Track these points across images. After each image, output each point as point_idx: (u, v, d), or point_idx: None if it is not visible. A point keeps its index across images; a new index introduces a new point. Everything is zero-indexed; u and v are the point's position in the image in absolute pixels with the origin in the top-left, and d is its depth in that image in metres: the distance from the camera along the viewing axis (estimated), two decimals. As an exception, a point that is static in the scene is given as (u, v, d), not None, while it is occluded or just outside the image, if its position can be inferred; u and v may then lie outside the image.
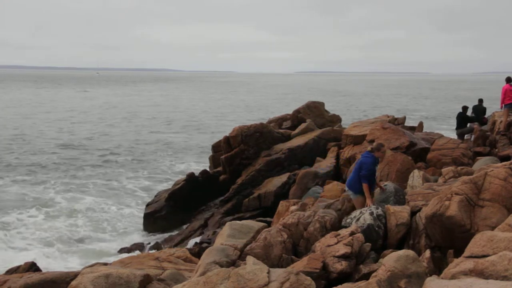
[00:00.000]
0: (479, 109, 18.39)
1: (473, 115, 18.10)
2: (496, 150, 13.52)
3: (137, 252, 13.75)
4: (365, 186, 8.20)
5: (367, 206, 8.07)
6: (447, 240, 6.28)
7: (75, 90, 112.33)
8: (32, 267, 9.66)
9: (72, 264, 13.98)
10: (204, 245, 11.97)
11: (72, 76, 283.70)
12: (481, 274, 4.14)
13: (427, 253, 6.05)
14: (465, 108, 17.65)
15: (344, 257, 6.18)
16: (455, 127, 18.01)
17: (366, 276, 5.72)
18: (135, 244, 15.30)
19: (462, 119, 17.21)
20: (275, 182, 16.33)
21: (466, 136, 17.24)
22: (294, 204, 10.67)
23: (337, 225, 7.78)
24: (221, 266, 6.46)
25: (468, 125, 17.45)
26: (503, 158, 11.57)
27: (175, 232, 16.51)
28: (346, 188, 8.82)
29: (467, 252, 4.68)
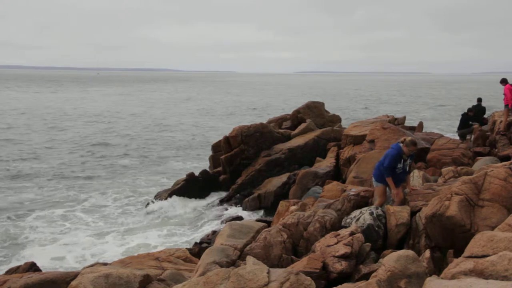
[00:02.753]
0: (479, 109, 18.39)
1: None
2: (496, 150, 13.52)
3: (137, 252, 13.75)
4: (388, 180, 8.02)
5: (393, 197, 8.03)
6: (447, 240, 6.28)
7: (78, 90, 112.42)
8: (32, 267, 9.65)
9: (72, 264, 13.98)
10: (204, 245, 11.97)
11: (74, 76, 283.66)
12: (481, 274, 4.14)
13: (427, 253, 6.05)
14: (470, 110, 17.59)
15: (344, 257, 6.18)
16: (457, 128, 18.00)
17: (366, 276, 5.72)
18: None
19: (465, 120, 17.21)
20: (275, 182, 16.34)
21: (467, 137, 17.24)
22: (294, 204, 10.67)
23: (337, 225, 7.78)
24: (221, 266, 6.46)
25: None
26: (503, 158, 11.58)
27: (175, 232, 16.52)
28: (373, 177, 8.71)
29: (467, 252, 4.68)
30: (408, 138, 8.31)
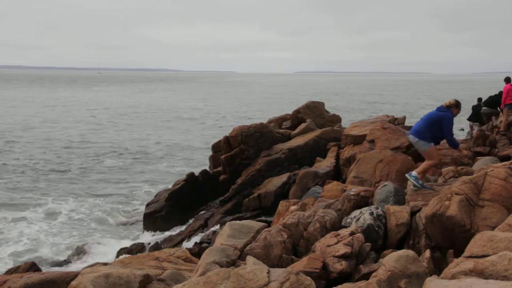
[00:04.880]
0: (479, 108, 18.39)
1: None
2: (496, 150, 13.51)
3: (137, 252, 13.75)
4: (454, 146, 7.91)
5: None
6: (447, 240, 6.28)
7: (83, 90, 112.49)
8: (32, 267, 9.66)
9: (72, 264, 13.99)
10: (204, 245, 11.97)
11: (76, 76, 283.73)
12: (481, 274, 4.14)
13: (427, 253, 6.05)
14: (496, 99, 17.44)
15: (344, 257, 6.17)
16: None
17: (366, 276, 5.72)
18: (135, 244, 15.29)
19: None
20: (275, 182, 16.32)
21: (466, 135, 17.23)
22: (294, 204, 10.66)
23: (337, 225, 7.78)
24: (221, 266, 6.45)
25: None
26: (503, 158, 11.56)
27: (175, 232, 16.52)
28: (411, 137, 8.36)
29: (467, 252, 4.68)
30: (453, 99, 8.04)
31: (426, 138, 8.13)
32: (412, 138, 8.48)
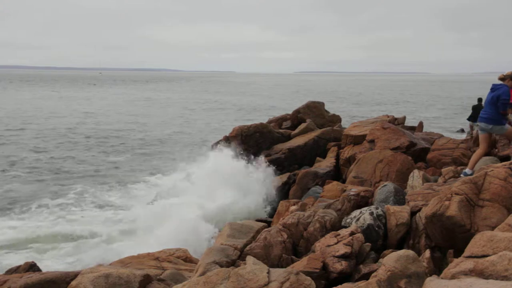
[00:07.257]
0: (479, 108, 18.40)
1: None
2: (496, 150, 13.51)
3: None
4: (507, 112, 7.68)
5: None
6: (447, 240, 6.29)
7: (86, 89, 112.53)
8: (32, 267, 9.65)
9: (72, 264, 13.96)
10: (204, 245, 11.96)
11: (78, 76, 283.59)
12: (481, 274, 4.14)
13: (427, 253, 6.05)
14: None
15: (344, 257, 6.18)
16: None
17: (366, 276, 5.72)
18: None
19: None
20: (275, 182, 16.33)
21: (466, 136, 17.24)
22: (294, 204, 10.67)
23: (337, 225, 7.79)
24: (221, 266, 6.46)
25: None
26: (503, 158, 11.56)
27: (175, 232, 16.51)
28: (484, 125, 8.14)
29: (467, 252, 4.68)
30: (508, 72, 7.78)
31: (499, 121, 8.04)
32: (485, 126, 8.37)
